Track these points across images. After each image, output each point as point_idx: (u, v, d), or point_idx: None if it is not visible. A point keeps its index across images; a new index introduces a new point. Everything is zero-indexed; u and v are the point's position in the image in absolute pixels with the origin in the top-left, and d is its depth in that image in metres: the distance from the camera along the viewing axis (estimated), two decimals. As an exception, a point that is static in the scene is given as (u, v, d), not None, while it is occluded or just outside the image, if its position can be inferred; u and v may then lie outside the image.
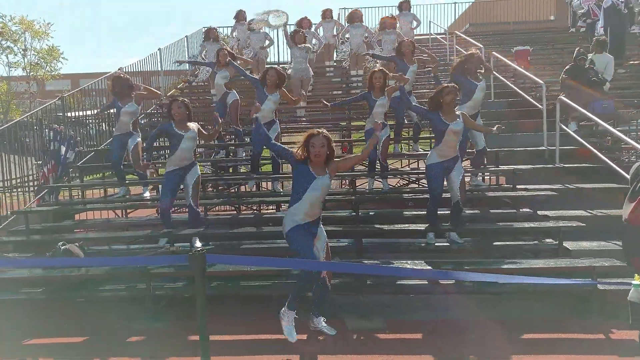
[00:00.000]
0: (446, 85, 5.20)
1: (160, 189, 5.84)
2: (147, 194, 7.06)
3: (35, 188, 6.86)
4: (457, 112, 5.19)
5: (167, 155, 9.45)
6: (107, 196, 7.42)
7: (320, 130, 3.95)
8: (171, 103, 5.37)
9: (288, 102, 6.91)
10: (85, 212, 7.08)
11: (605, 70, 8.62)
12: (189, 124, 5.40)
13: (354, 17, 10.08)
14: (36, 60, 22.06)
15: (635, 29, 12.03)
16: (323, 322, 4.25)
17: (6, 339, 4.31)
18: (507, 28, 17.27)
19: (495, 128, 5.47)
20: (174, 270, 4.69)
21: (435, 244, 5.37)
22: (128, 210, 7.56)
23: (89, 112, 8.31)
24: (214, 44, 9.75)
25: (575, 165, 6.92)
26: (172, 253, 5.25)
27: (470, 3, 20.73)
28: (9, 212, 6.30)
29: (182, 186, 5.49)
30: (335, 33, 11.26)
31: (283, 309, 4.04)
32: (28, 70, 21.81)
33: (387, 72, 6.34)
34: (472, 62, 6.18)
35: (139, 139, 6.56)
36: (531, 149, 7.40)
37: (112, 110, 7.25)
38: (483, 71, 6.49)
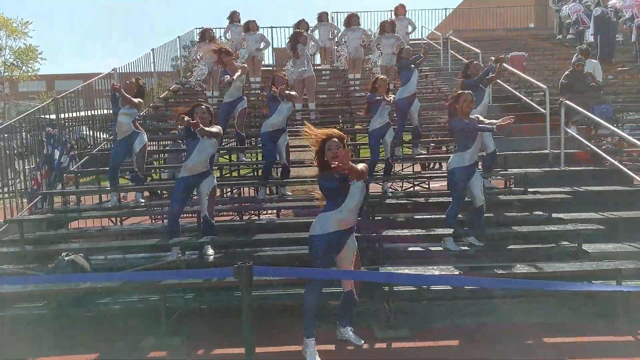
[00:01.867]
0: (462, 92, 5.19)
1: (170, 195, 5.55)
2: (142, 200, 6.78)
3: (27, 194, 6.45)
4: (473, 117, 5.17)
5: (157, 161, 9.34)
6: (102, 203, 7.08)
7: (332, 133, 3.72)
8: (194, 109, 5.00)
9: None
10: (79, 220, 6.69)
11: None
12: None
13: (351, 21, 10.01)
14: (12, 60, 21.07)
15: (619, 37, 12.37)
16: (350, 332, 4.09)
17: (12, 357, 3.97)
18: (490, 35, 17.48)
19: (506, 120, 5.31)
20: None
21: (451, 249, 5.27)
22: (123, 218, 7.23)
23: (82, 114, 7.93)
24: (210, 44, 9.49)
25: (581, 168, 6.98)
26: (184, 263, 4.98)
27: (452, 10, 20.99)
28: (1, 221, 5.88)
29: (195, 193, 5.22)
30: (330, 37, 11.17)
31: (303, 342, 3.78)
32: (2, 71, 20.78)
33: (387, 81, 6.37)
34: (474, 68, 6.49)
35: (146, 140, 6.35)
36: (535, 152, 7.42)
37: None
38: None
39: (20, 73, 21.28)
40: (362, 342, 4.02)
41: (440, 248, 5.26)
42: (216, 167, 7.10)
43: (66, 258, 4.52)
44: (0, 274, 4.63)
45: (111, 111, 6.79)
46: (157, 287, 4.37)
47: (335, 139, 3.69)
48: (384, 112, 6.23)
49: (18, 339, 4.23)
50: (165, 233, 5.43)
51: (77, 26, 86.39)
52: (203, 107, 5.04)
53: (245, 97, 7.39)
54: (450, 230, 5.23)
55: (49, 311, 4.40)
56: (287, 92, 6.13)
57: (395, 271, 4.47)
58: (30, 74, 21.63)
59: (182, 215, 5.70)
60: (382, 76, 6.56)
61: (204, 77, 9.71)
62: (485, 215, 5.95)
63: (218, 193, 6.36)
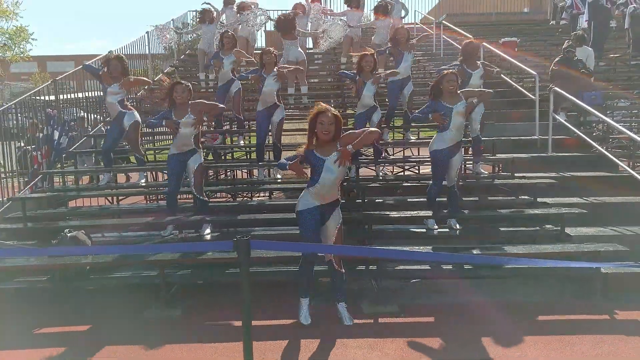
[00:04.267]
0: (446, 72, 5.27)
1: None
2: (143, 181, 6.88)
3: (28, 174, 6.56)
4: (459, 93, 5.21)
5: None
6: (98, 183, 7.18)
7: (328, 108, 3.91)
8: (174, 86, 5.07)
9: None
10: (78, 198, 6.84)
11: (586, 63, 8.91)
12: (189, 108, 5.13)
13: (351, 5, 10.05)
14: (3, 42, 20.82)
15: (612, 23, 12.46)
16: (341, 308, 4.21)
17: (16, 328, 4.16)
18: (484, 19, 17.43)
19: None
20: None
21: (436, 231, 5.45)
22: (120, 198, 7.38)
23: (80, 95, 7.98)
24: (211, 26, 9.50)
25: (568, 154, 7.17)
26: (181, 240, 5.16)
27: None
28: (5, 199, 6.02)
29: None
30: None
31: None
32: (-6, 52, 20.54)
33: (375, 57, 6.29)
34: (468, 50, 6.37)
35: (136, 118, 6.25)
36: (524, 138, 7.60)
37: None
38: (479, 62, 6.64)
39: (12, 54, 21.02)
40: (351, 323, 4.11)
41: (424, 230, 5.44)
42: (205, 151, 7.08)
43: (69, 235, 4.68)
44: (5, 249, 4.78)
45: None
46: (155, 262, 4.55)
47: (330, 114, 3.84)
48: (366, 95, 6.13)
49: (22, 311, 4.42)
50: (161, 212, 5.60)
51: (65, 7, 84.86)
52: (183, 85, 5.10)
53: (238, 80, 7.40)
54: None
55: (52, 284, 4.57)
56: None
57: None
58: (22, 55, 21.37)
59: (183, 196, 5.81)
60: (369, 52, 6.18)
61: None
62: (471, 198, 6.18)
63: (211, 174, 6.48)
